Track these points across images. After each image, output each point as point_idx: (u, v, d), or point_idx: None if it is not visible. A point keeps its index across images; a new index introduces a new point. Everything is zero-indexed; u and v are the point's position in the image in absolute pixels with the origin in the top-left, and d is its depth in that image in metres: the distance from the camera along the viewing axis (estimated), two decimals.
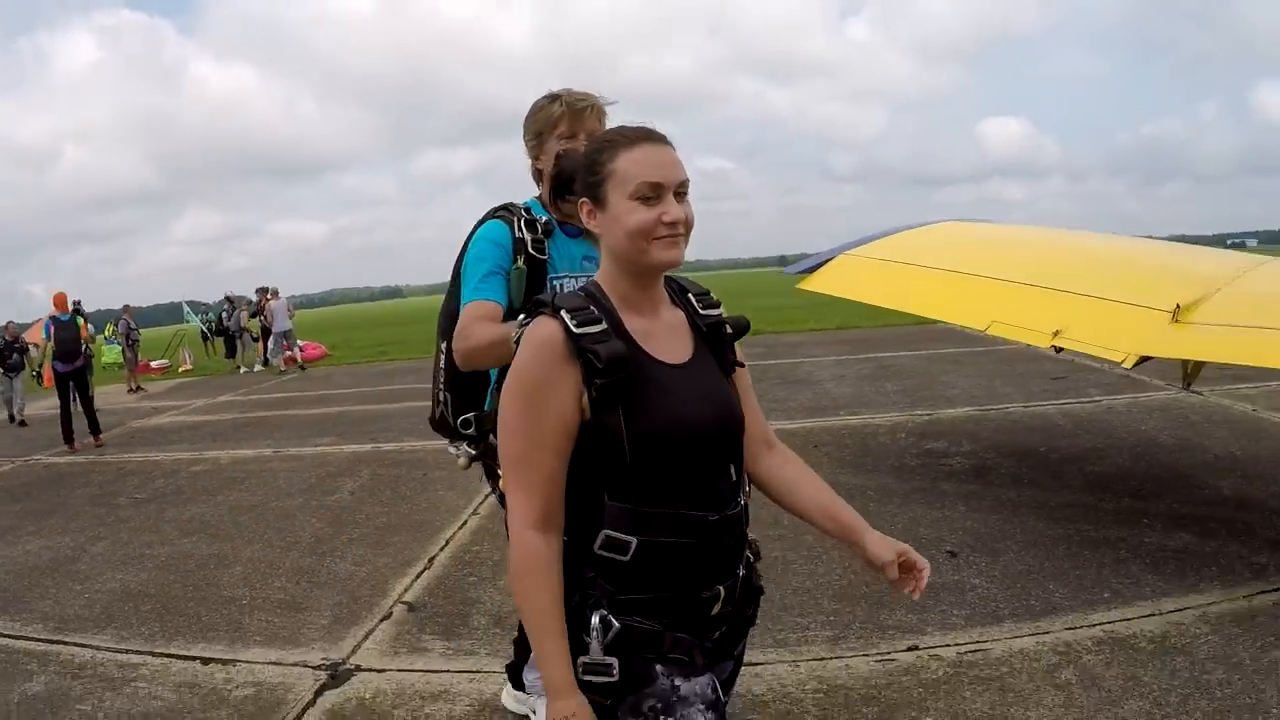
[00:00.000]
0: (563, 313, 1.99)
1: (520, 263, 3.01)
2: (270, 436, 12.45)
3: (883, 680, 4.20)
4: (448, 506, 7.72)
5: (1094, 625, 4.72)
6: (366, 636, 5.06)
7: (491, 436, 3.09)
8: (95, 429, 13.53)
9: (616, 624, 1.99)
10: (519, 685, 3.87)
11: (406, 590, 5.75)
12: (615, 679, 1.98)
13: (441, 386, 3.27)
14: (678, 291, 2.22)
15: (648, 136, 2.06)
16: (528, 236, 3.03)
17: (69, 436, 13.35)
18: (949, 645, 4.57)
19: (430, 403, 3.37)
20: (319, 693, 4.41)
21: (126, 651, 5.16)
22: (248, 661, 4.87)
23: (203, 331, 31.22)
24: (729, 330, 2.19)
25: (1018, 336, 6.56)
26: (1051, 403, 10.72)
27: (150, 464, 11.27)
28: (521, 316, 2.13)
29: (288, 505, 8.35)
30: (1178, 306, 5.60)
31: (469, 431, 3.24)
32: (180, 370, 27.27)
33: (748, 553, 2.19)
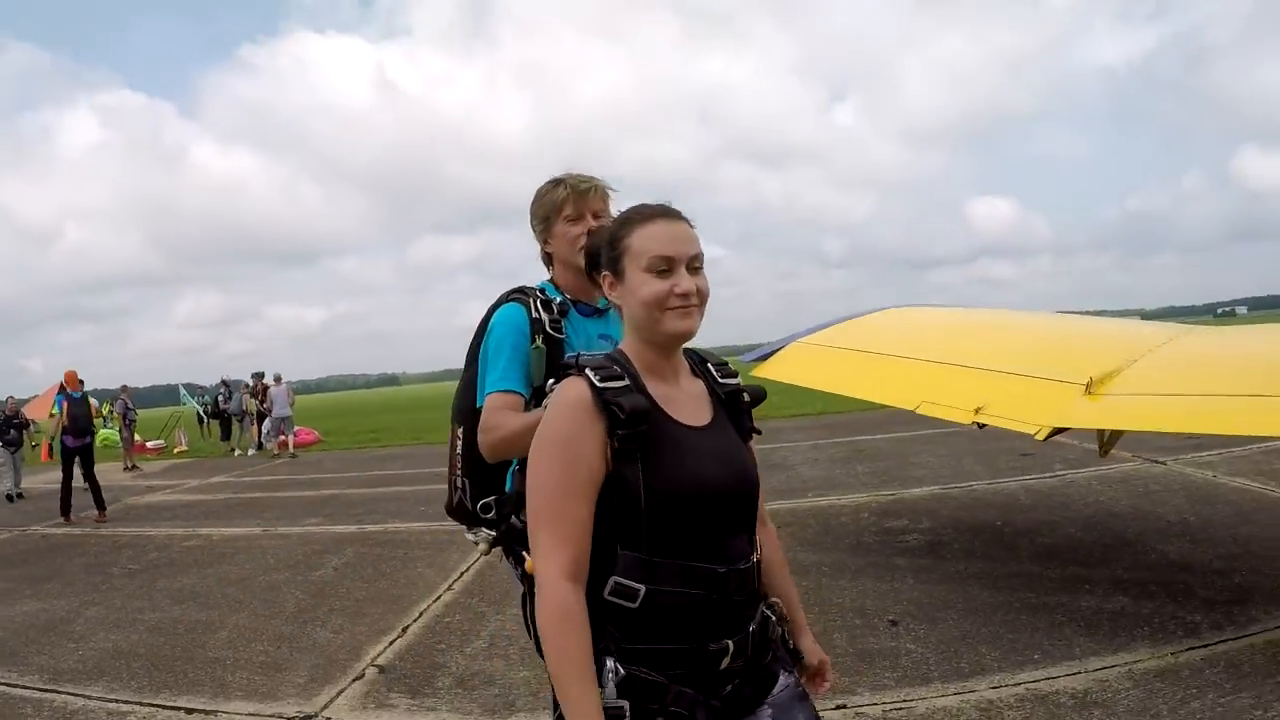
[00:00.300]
0: (588, 370, 2.10)
1: (539, 342, 3.01)
2: (260, 516, 12.82)
3: None
4: (425, 582, 8.09)
5: (1019, 684, 4.94)
6: (339, 694, 5.45)
7: (514, 519, 3.10)
8: (100, 505, 13.71)
9: (623, 671, 2.05)
10: None
11: (379, 655, 6.13)
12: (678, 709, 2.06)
13: (459, 473, 3.23)
14: (697, 362, 2.32)
15: (663, 213, 2.18)
16: (545, 317, 3.05)
17: (67, 509, 13.56)
18: (876, 704, 4.84)
19: (447, 488, 3.31)
20: None
21: (116, 701, 5.56)
22: (228, 713, 5.27)
23: (199, 414, 31.47)
24: (746, 398, 2.29)
25: (945, 415, 6.64)
26: (1015, 479, 10.94)
27: (144, 538, 11.67)
28: (550, 382, 2.24)
29: (274, 579, 8.73)
30: (1090, 380, 5.80)
31: (489, 515, 3.18)
32: (175, 451, 27.61)
33: (764, 609, 2.26)
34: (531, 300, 3.07)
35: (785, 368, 8.51)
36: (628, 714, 2.02)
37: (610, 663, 2.03)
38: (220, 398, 28.01)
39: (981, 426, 6.42)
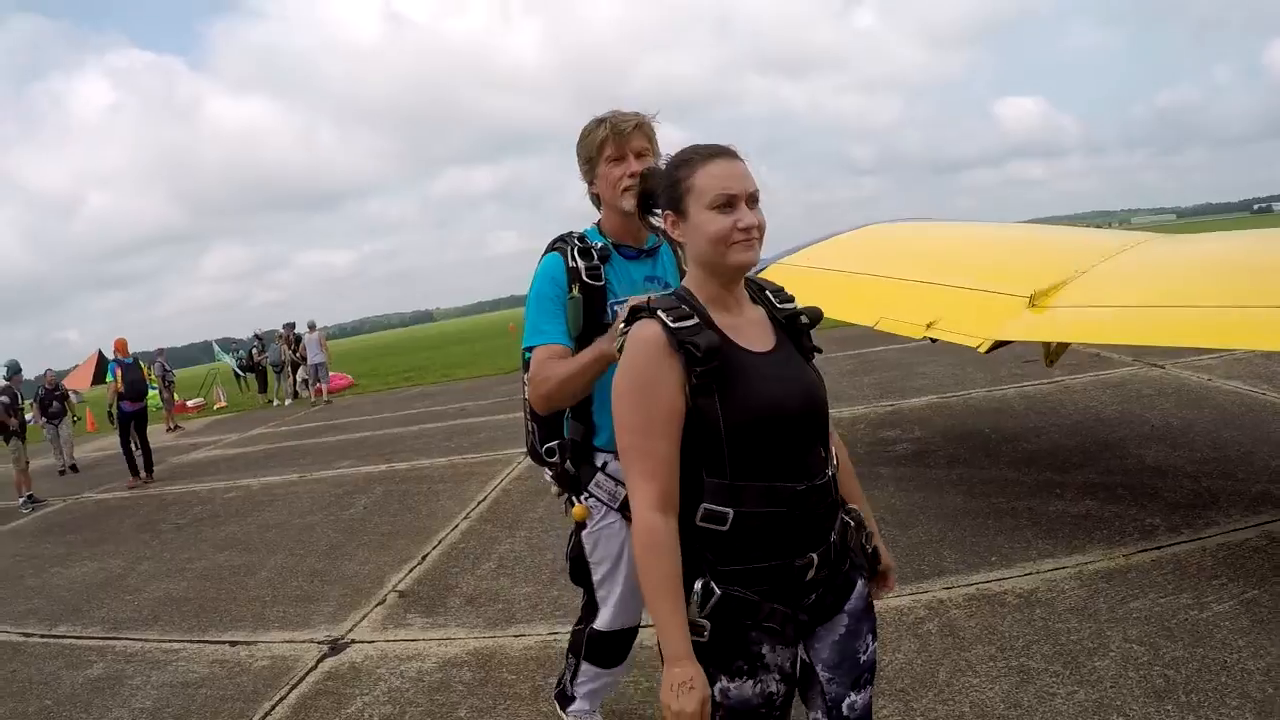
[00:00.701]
0: (659, 312, 2.20)
1: (575, 292, 3.03)
2: (297, 463, 13.47)
3: None
4: (446, 513, 8.70)
5: (971, 585, 5.20)
6: (363, 618, 6.06)
7: (568, 464, 3.25)
8: (150, 467, 14.41)
9: (718, 591, 2.16)
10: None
11: (400, 581, 6.75)
12: (705, 640, 2.16)
13: (528, 416, 3.32)
14: (756, 290, 2.42)
15: (721, 152, 2.26)
16: (581, 265, 3.06)
17: (135, 469, 14.22)
18: None
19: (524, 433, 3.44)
20: (320, 660, 5.42)
21: (169, 641, 6.21)
22: (266, 642, 5.90)
23: (235, 369, 32.08)
24: (804, 320, 2.37)
25: (900, 330, 6.71)
26: (1013, 386, 11.02)
27: (189, 494, 12.37)
28: (620, 326, 2.32)
29: (308, 521, 9.39)
30: (1033, 293, 5.83)
31: (553, 459, 3.27)
32: (215, 408, 28.32)
33: (845, 517, 2.37)
34: (570, 248, 3.10)
35: None
36: (707, 632, 2.15)
37: (698, 584, 2.15)
38: (255, 350, 28.65)
39: (934, 341, 6.58)
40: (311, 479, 12.01)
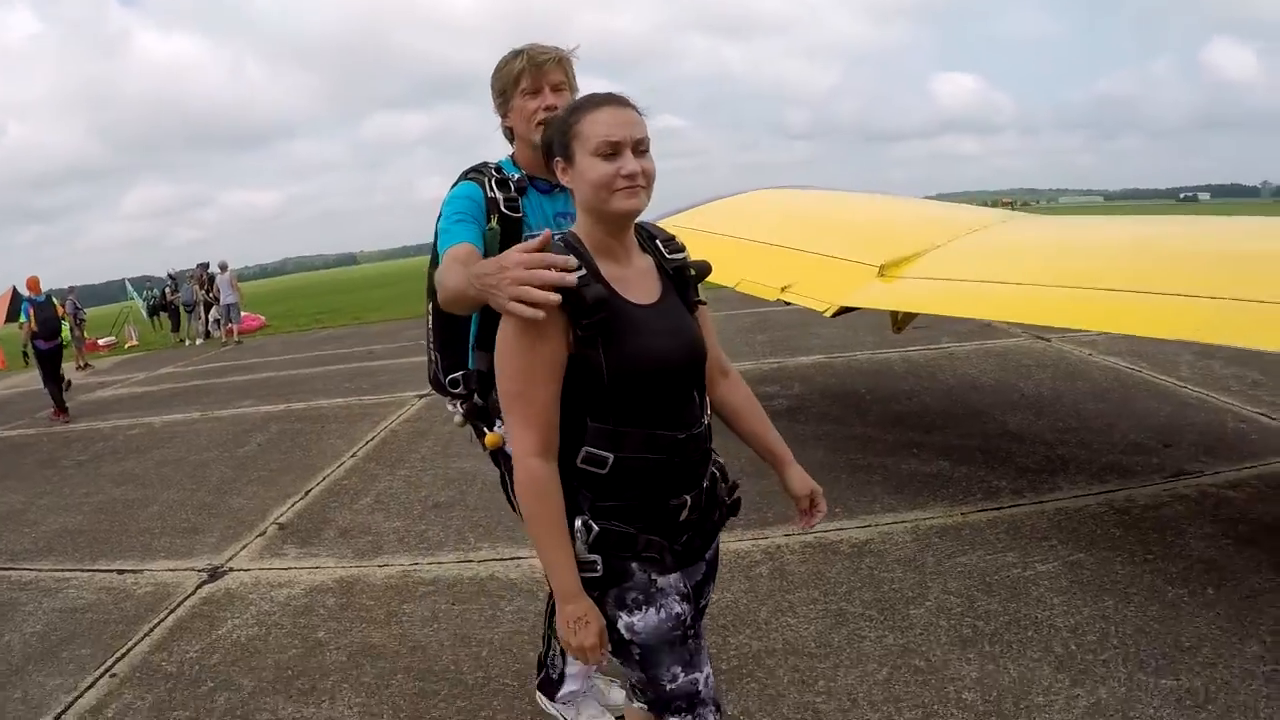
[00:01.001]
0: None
1: (494, 223, 2.96)
2: (199, 402, 13.66)
3: None
4: (334, 452, 9.08)
5: (810, 534, 5.41)
6: (243, 549, 6.45)
7: (476, 397, 3.19)
8: (63, 405, 14.16)
9: (596, 527, 2.24)
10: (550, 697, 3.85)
11: (282, 515, 7.14)
12: (599, 574, 2.25)
13: (431, 345, 3.27)
14: (647, 238, 2.41)
15: (609, 100, 2.25)
16: (500, 196, 2.98)
17: (63, 405, 14.00)
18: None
19: (425, 360, 3.39)
20: (199, 586, 5.82)
21: (61, 570, 6.54)
22: (152, 570, 6.27)
23: (147, 308, 31.80)
24: (692, 272, 2.41)
25: (758, 292, 6.87)
26: (899, 350, 11.21)
27: (93, 431, 12.55)
28: None
29: (204, 458, 9.69)
30: (884, 263, 6.07)
31: (458, 390, 3.22)
32: (126, 347, 28.07)
33: (713, 468, 2.46)
34: (487, 179, 3.03)
35: None
36: (600, 566, 2.25)
37: (579, 522, 2.23)
38: (168, 290, 28.52)
39: (787, 304, 6.85)
40: (212, 417, 12.27)
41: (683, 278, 2.40)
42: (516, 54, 3.01)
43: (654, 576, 2.30)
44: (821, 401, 9.20)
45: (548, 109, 2.95)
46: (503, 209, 2.96)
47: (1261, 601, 4.29)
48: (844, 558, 5.17)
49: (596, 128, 2.20)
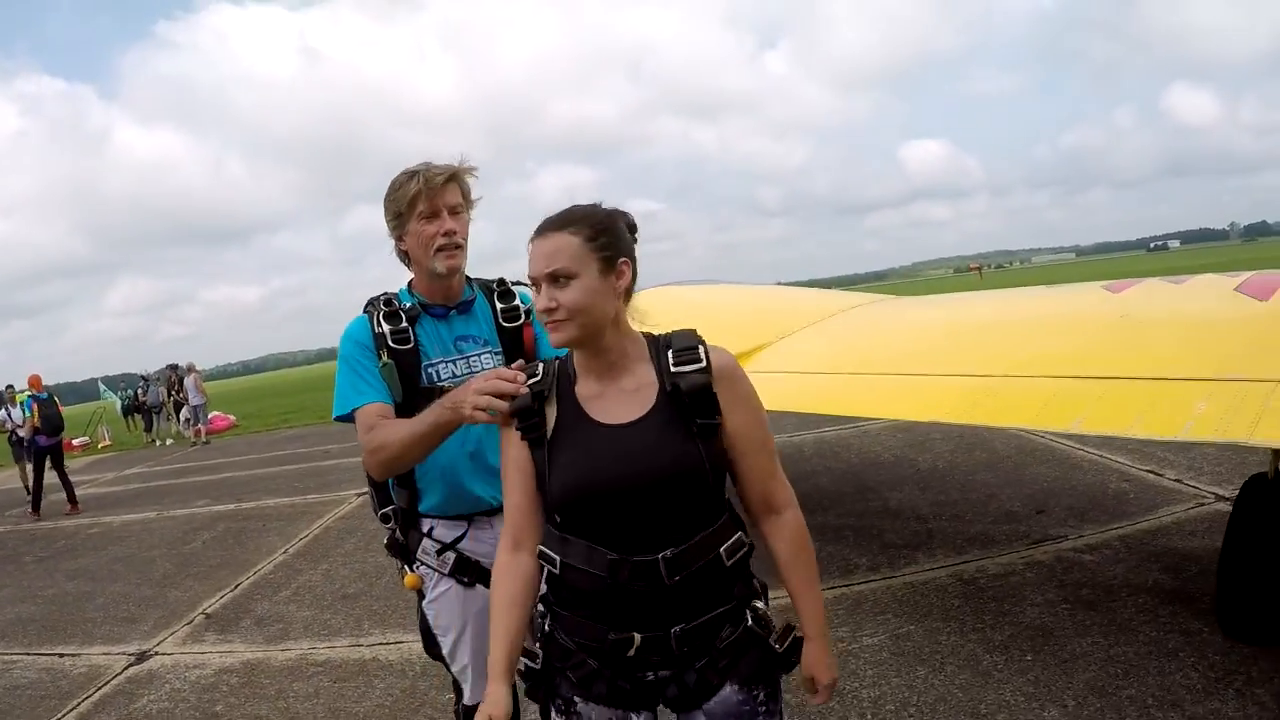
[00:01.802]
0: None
1: (385, 358, 2.86)
2: (160, 502, 14.38)
3: None
4: (269, 548, 9.82)
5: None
6: (170, 635, 7.19)
7: (398, 534, 3.12)
8: (72, 498, 14.78)
9: (546, 628, 2.28)
10: None
11: (210, 606, 7.87)
12: (537, 667, 2.27)
13: (367, 483, 3.20)
14: (661, 349, 2.24)
15: (538, 231, 2.18)
16: (387, 329, 2.88)
17: (38, 504, 14.60)
18: None
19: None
20: (127, 667, 6.58)
21: (11, 654, 7.32)
22: (89, 654, 7.03)
23: (122, 408, 31.97)
24: (682, 390, 2.15)
25: None
26: (817, 430, 11.68)
27: (56, 530, 13.34)
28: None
29: (152, 555, 10.44)
30: (736, 354, 6.74)
31: (388, 525, 3.15)
32: (100, 446, 28.59)
33: (715, 618, 2.20)
34: (376, 313, 2.93)
35: None
36: (540, 661, 2.27)
37: (541, 608, 2.30)
38: (139, 391, 28.98)
39: None
40: (166, 516, 13.03)
41: (679, 396, 2.16)
42: (411, 175, 2.87)
43: (575, 699, 2.25)
44: None
45: (446, 234, 2.87)
46: (390, 343, 2.88)
47: (1078, 665, 4.52)
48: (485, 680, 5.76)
49: (530, 261, 2.19)
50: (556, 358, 2.33)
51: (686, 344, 2.23)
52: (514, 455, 2.26)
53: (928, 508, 7.57)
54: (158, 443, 26.79)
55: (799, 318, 7.00)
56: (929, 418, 4.75)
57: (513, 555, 2.26)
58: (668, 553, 2.12)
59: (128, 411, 31.09)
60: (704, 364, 2.18)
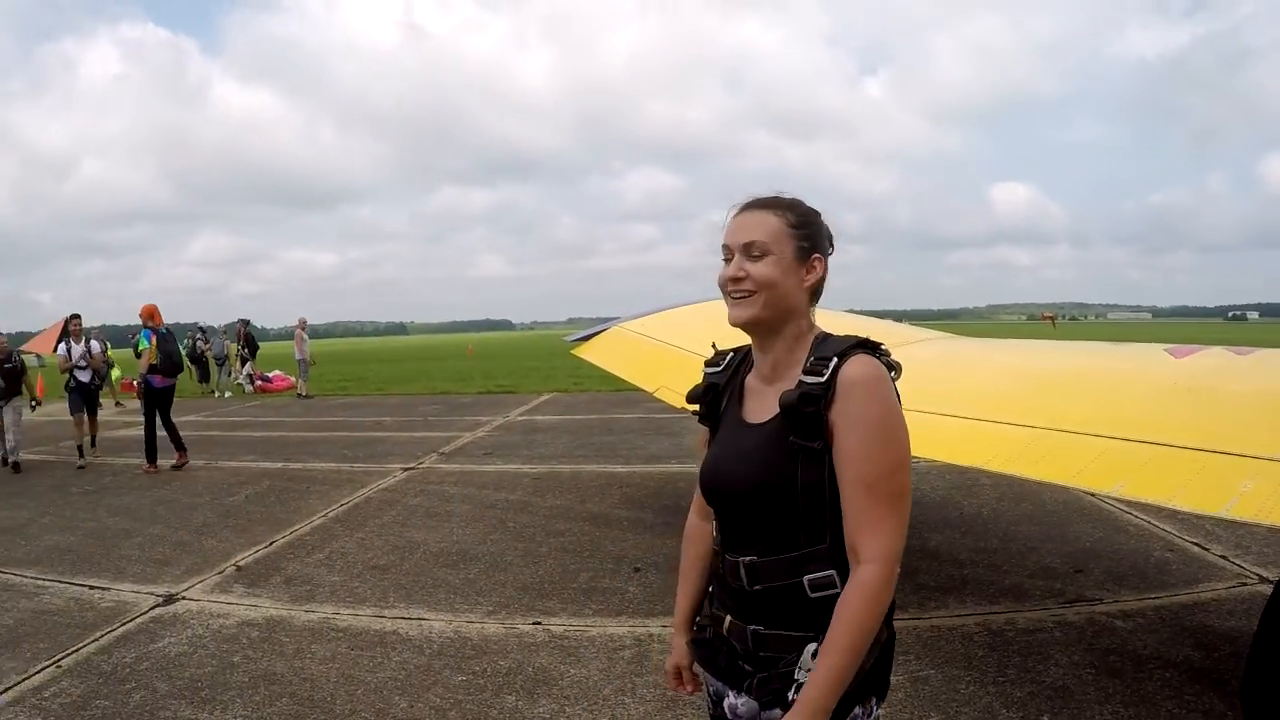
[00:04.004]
0: (716, 352, 2.38)
1: None
2: (209, 452, 14.54)
3: (497, 639, 5.91)
4: (309, 510, 9.89)
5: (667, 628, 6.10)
6: (199, 583, 7.25)
7: None
8: (181, 445, 13.42)
9: (710, 589, 2.37)
10: None
11: (244, 559, 7.93)
12: (705, 635, 2.32)
13: None
14: (814, 351, 2.12)
15: (742, 205, 2.18)
16: None
17: (153, 455, 13.08)
18: (564, 625, 6.08)
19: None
20: (153, 608, 6.63)
21: (44, 579, 7.42)
22: (119, 589, 7.10)
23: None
24: (784, 404, 2.04)
25: (671, 400, 7.04)
26: None
27: (105, 465, 13.62)
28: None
29: (194, 501, 10.58)
30: None
31: None
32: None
33: (816, 644, 2.02)
34: None
35: (598, 352, 9.30)
36: (709, 631, 2.31)
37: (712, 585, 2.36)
38: (199, 341, 29.28)
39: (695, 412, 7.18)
40: (215, 467, 13.20)
41: (790, 404, 2.04)
42: None
43: (700, 667, 2.37)
44: None
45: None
46: None
47: None
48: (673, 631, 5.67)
49: (724, 232, 2.18)
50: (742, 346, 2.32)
51: (824, 352, 2.07)
52: (701, 433, 2.34)
53: (966, 553, 7.47)
54: (216, 394, 27.14)
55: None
56: (971, 463, 4.62)
57: (701, 520, 2.42)
58: (748, 558, 2.11)
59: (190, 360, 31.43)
60: (823, 379, 2.01)
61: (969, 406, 5.06)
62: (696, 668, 2.39)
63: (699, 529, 2.42)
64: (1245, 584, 6.65)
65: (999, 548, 7.69)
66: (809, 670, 1.99)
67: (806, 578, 2.05)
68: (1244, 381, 4.91)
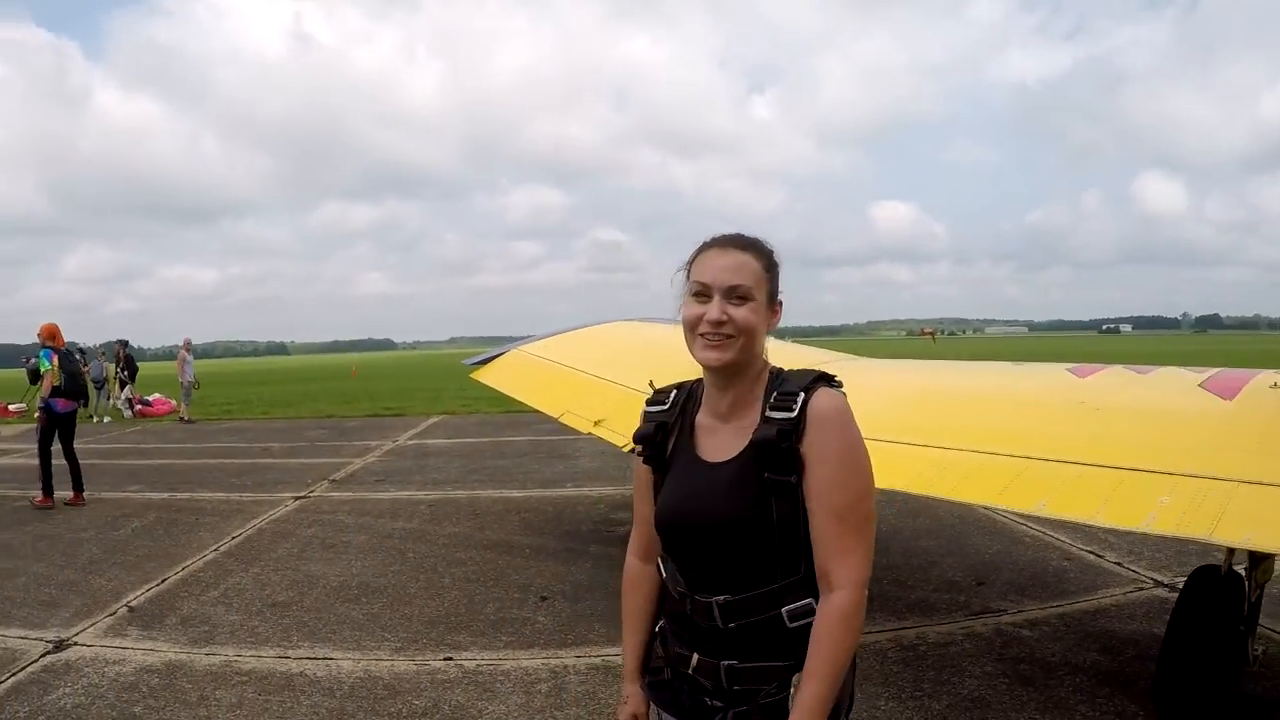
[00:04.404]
0: (654, 391, 2.35)
1: None
2: (91, 482, 13.60)
3: (409, 676, 5.80)
4: (200, 544, 9.55)
5: (599, 656, 5.95)
6: (91, 626, 6.93)
7: None
8: (80, 484, 12.43)
9: (657, 629, 2.36)
10: None
11: (135, 598, 7.62)
12: (663, 678, 2.29)
13: None
14: (772, 388, 2.14)
15: (720, 241, 2.16)
16: None
17: (50, 488, 12.12)
18: (476, 659, 6.01)
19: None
20: (44, 655, 6.31)
21: None
22: (4, 635, 6.75)
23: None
24: (757, 440, 2.06)
25: (577, 425, 7.03)
26: None
27: None
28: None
29: (79, 536, 10.14)
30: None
31: None
32: (35, 415, 27.71)
33: (799, 680, 2.02)
34: None
35: (498, 375, 9.17)
36: (667, 673, 2.28)
37: (661, 623, 2.34)
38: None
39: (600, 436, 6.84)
40: (97, 499, 12.64)
41: (766, 440, 2.05)
42: None
43: (652, 703, 2.36)
44: None
45: None
46: None
47: None
48: (621, 680, 5.65)
49: (698, 268, 2.14)
50: (699, 380, 2.30)
51: (789, 387, 2.11)
52: (641, 473, 2.32)
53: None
54: (95, 419, 26.05)
55: None
56: (889, 485, 4.52)
57: (641, 564, 2.40)
58: (721, 599, 2.09)
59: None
60: (793, 414, 2.05)
61: (884, 430, 5.00)
62: (656, 712, 2.35)
63: (641, 572, 2.40)
64: (1142, 589, 6.96)
65: (902, 563, 7.85)
66: None
67: (785, 609, 2.08)
68: (1148, 400, 5.12)
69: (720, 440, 2.15)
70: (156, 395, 28.22)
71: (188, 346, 25.89)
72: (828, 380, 2.15)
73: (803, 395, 2.07)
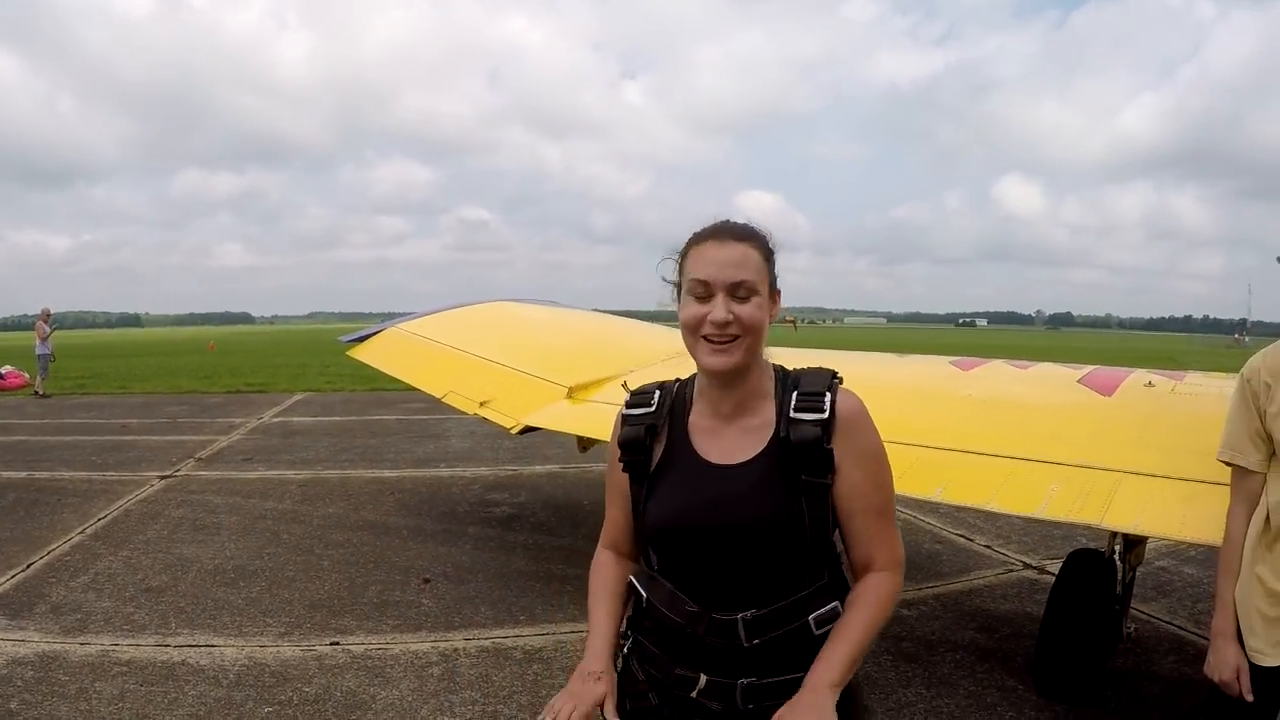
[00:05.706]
0: (629, 394, 2.19)
1: None
2: None
3: (297, 662, 5.57)
4: (64, 526, 9.05)
5: (489, 639, 5.86)
6: None
7: None
8: None
9: (625, 650, 2.17)
10: None
11: None
12: (624, 649, 2.18)
13: None
14: (787, 387, 2.04)
15: (716, 233, 1.99)
16: None
17: None
18: (363, 644, 5.83)
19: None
20: None
21: None
22: None
23: None
24: (792, 441, 1.95)
25: (461, 405, 6.99)
26: None
27: None
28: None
29: None
30: (573, 385, 6.27)
31: None
32: None
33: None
34: None
35: (375, 353, 8.92)
36: (628, 645, 2.16)
37: (625, 627, 2.20)
38: None
39: (485, 419, 6.91)
40: None
41: (787, 445, 1.96)
42: None
43: (629, 706, 2.10)
44: (542, 511, 9.58)
45: None
46: None
47: (903, 715, 4.77)
48: (514, 663, 5.48)
49: (696, 264, 1.97)
50: (677, 380, 2.19)
51: (813, 388, 2.00)
52: (616, 479, 2.16)
53: None
54: None
55: (648, 353, 6.92)
56: None
57: (609, 554, 2.24)
58: (748, 614, 1.96)
59: None
60: (825, 415, 1.96)
61: None
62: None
63: (608, 559, 2.25)
64: (1012, 570, 7.19)
65: None
66: None
67: (813, 615, 1.98)
68: (1032, 394, 5.32)
69: (728, 442, 2.02)
70: (8, 368, 26.84)
71: (46, 317, 24.58)
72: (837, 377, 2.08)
73: (829, 396, 1.98)
